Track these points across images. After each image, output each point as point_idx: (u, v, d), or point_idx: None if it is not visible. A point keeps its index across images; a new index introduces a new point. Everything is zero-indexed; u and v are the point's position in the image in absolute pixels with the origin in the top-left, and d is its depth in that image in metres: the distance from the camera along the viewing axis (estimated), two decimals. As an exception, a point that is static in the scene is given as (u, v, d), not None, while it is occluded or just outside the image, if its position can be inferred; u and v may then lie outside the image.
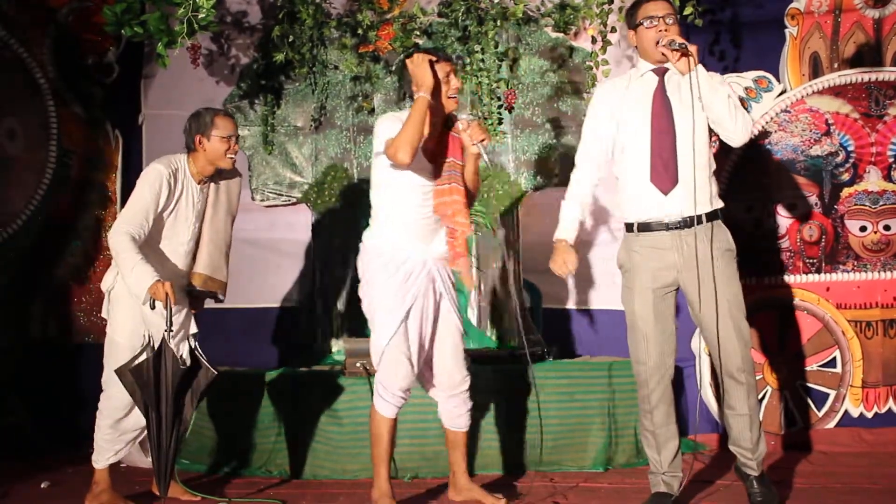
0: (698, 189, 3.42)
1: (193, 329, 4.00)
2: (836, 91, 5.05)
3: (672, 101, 3.52)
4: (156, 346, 3.60)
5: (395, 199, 3.68)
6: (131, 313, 3.81)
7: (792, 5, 5.12)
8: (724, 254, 3.51)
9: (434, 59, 3.66)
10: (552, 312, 5.35)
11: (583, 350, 5.17)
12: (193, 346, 3.77)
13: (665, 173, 3.47)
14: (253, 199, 5.40)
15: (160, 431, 3.58)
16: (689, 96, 3.44)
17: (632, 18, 3.61)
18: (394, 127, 3.58)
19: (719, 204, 3.55)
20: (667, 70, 3.55)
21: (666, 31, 3.47)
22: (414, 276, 3.68)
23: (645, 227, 3.53)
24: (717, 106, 3.41)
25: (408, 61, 3.66)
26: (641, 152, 3.51)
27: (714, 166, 3.57)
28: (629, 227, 3.59)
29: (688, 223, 3.47)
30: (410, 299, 3.66)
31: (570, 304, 5.35)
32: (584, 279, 5.28)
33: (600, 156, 3.64)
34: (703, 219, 3.48)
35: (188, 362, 3.66)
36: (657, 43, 3.47)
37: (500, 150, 5.28)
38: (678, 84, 3.52)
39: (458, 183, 3.67)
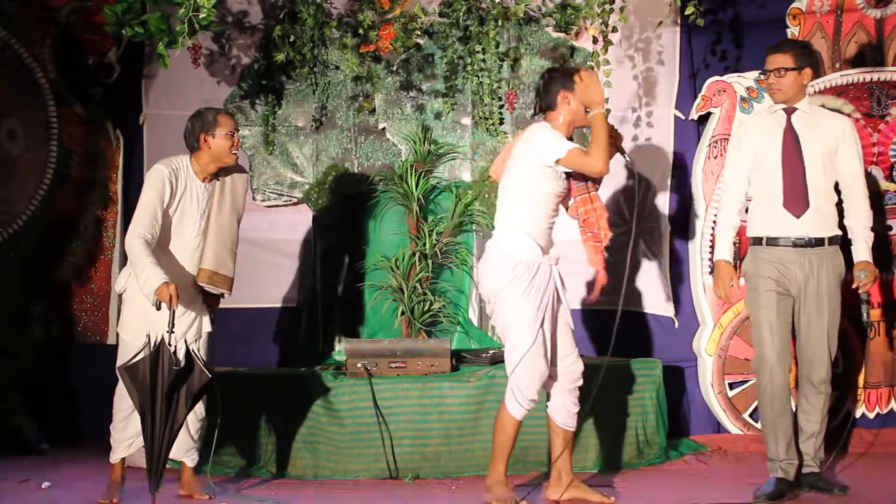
0: (826, 216, 3.91)
1: (208, 327, 4.05)
2: (838, 91, 5.04)
3: (800, 135, 3.91)
4: (155, 346, 3.62)
5: (534, 206, 3.77)
6: (139, 313, 3.86)
7: (793, 5, 5.12)
8: (837, 276, 3.94)
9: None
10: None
11: (585, 350, 5.15)
12: (195, 348, 3.78)
13: (797, 200, 3.89)
14: (254, 199, 5.39)
15: (153, 429, 3.62)
16: (815, 131, 3.90)
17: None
18: (561, 138, 3.70)
19: (839, 231, 3.95)
20: (795, 109, 3.93)
21: (777, 83, 3.90)
22: (545, 285, 3.76)
23: (772, 242, 3.94)
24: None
25: (576, 78, 3.74)
26: (774, 181, 3.92)
27: (836, 198, 3.96)
28: (757, 241, 4.00)
29: (812, 243, 3.90)
30: (544, 308, 3.75)
31: (573, 305, 5.32)
32: (587, 279, 5.27)
33: (744, 181, 4.04)
34: (826, 242, 3.91)
35: (205, 359, 3.74)
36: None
37: (501, 149, 5.27)
38: (807, 120, 3.93)
39: (595, 191, 3.85)
